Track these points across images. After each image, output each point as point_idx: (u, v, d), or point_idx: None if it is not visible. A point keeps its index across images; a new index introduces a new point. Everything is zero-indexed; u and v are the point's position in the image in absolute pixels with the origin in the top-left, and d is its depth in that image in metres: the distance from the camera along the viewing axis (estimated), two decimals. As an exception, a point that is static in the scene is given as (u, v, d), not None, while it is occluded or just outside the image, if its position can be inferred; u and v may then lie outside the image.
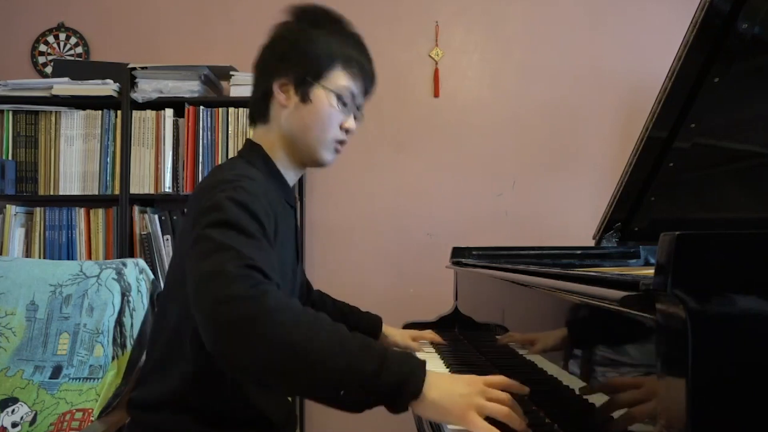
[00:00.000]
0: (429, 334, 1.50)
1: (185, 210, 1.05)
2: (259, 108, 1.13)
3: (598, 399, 0.71)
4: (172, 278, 1.05)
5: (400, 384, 0.74)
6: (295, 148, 1.11)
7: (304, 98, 1.07)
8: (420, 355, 1.40)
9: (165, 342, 1.03)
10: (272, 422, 1.06)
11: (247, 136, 1.16)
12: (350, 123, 1.12)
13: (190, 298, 0.81)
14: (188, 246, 0.87)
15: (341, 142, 1.12)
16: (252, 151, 1.12)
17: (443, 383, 0.78)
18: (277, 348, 0.73)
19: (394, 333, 1.47)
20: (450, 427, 0.86)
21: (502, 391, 0.80)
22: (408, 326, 1.66)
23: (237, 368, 0.78)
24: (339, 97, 1.08)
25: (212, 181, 0.98)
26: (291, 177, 1.16)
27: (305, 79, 1.07)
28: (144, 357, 1.14)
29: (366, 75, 1.12)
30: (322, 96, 1.07)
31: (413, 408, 0.76)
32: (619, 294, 0.63)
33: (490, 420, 0.76)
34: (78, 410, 1.52)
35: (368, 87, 1.14)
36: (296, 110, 1.08)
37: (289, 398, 1.15)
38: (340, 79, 1.08)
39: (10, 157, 2.23)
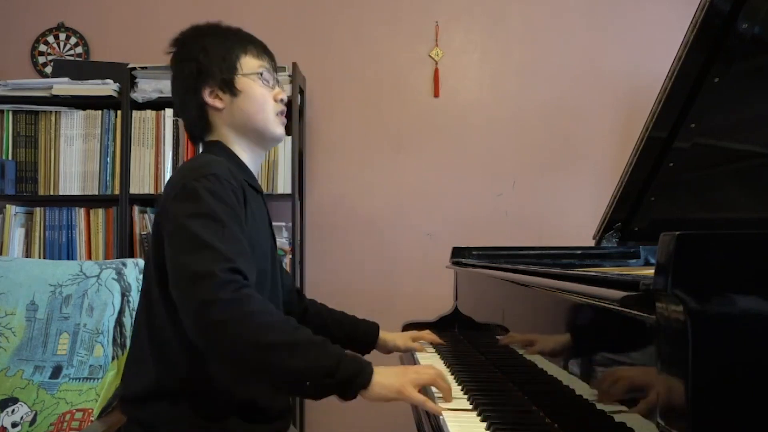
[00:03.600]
0: (428, 334, 1.50)
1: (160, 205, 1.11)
2: (199, 125, 1.21)
3: (598, 399, 0.71)
4: (153, 271, 1.07)
5: (354, 377, 0.91)
6: (247, 135, 1.20)
7: (234, 92, 1.17)
8: (421, 356, 1.42)
9: (156, 335, 1.06)
10: (269, 412, 1.11)
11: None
12: (280, 93, 1.22)
13: (175, 289, 0.95)
14: (165, 234, 0.99)
15: (282, 113, 1.23)
16: (211, 145, 1.20)
17: (384, 374, 0.94)
18: (255, 346, 0.89)
19: (394, 337, 1.46)
20: (449, 426, 0.86)
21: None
22: (408, 326, 1.66)
23: (218, 359, 0.97)
24: (260, 76, 1.19)
25: (186, 168, 1.08)
26: (254, 161, 1.24)
27: (225, 77, 1.17)
28: (130, 349, 1.16)
29: (264, 51, 1.23)
30: (247, 83, 1.18)
31: (362, 395, 0.93)
32: (619, 294, 0.63)
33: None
34: (78, 410, 1.52)
35: (272, 60, 1.25)
36: (233, 105, 1.17)
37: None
38: (251, 63, 1.19)
39: (10, 157, 2.23)
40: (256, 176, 1.25)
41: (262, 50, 1.22)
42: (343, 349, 0.94)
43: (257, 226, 1.13)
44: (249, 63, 1.19)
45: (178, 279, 0.94)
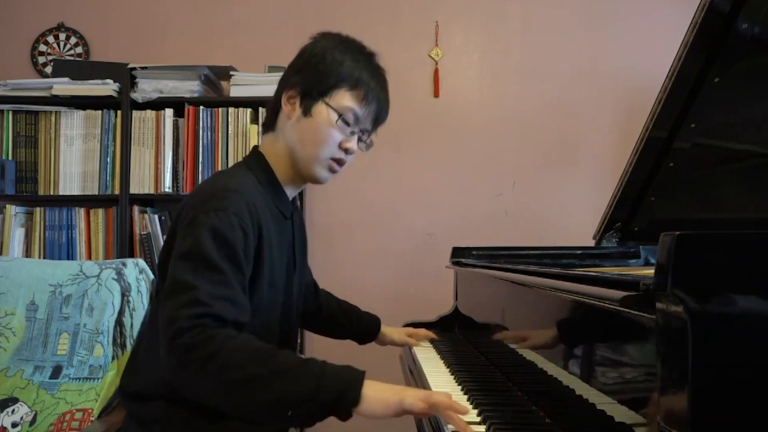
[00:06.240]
0: (423, 332, 1.58)
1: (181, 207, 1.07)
2: (270, 115, 1.15)
3: (598, 399, 0.71)
4: (160, 276, 1.05)
5: (339, 396, 0.82)
6: (294, 160, 1.12)
7: (306, 112, 1.08)
8: (418, 350, 1.45)
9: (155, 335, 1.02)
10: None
11: (255, 143, 1.23)
12: (351, 144, 1.10)
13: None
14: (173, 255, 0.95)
15: (338, 162, 1.11)
16: (254, 159, 1.14)
17: (377, 387, 0.84)
18: (218, 386, 0.84)
19: (391, 332, 1.54)
20: (449, 427, 0.86)
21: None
22: (408, 326, 1.66)
23: (190, 395, 0.89)
24: (341, 116, 1.08)
25: (205, 192, 1.02)
26: (291, 190, 1.18)
27: (310, 93, 1.08)
28: (135, 345, 1.17)
29: (375, 102, 1.10)
30: (323, 112, 1.07)
31: (357, 413, 0.83)
32: (619, 294, 0.63)
33: None
34: (78, 410, 1.52)
35: (379, 114, 1.13)
36: (297, 123, 1.09)
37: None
38: (345, 99, 1.08)
39: (10, 157, 2.23)
40: (292, 198, 1.19)
41: (372, 100, 1.09)
42: (326, 368, 0.84)
43: (272, 256, 1.07)
44: (342, 98, 1.08)
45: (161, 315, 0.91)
